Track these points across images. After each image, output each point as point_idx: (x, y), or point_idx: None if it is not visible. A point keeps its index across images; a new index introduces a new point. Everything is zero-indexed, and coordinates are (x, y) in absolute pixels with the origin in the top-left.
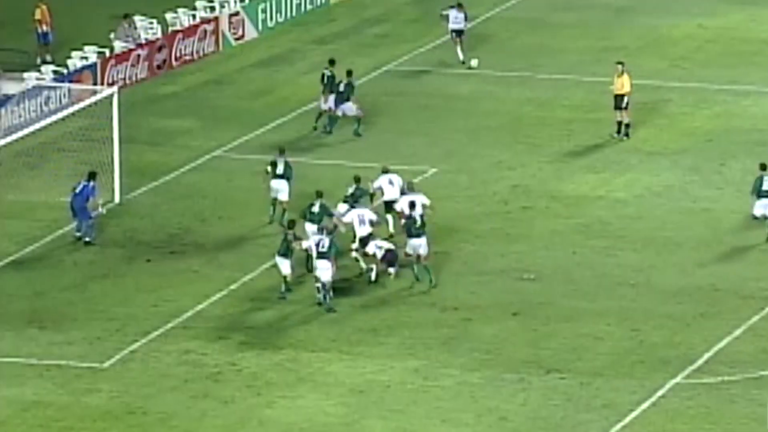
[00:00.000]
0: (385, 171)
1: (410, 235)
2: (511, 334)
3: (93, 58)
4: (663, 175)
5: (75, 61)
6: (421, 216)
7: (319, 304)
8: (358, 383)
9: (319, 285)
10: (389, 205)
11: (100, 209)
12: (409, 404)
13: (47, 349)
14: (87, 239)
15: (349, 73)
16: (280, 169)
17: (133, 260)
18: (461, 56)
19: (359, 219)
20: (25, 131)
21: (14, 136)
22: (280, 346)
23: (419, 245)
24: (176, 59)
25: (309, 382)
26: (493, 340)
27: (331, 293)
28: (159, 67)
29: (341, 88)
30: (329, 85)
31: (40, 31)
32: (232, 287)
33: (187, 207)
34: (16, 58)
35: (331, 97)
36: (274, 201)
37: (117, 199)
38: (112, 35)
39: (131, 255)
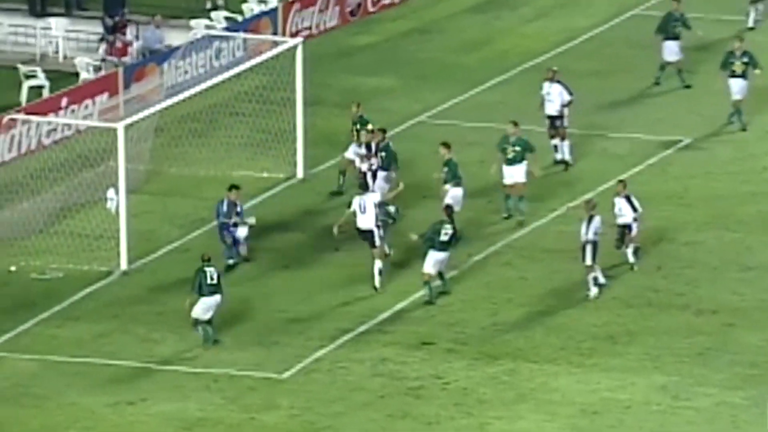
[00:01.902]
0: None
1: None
2: None
3: (273, 2)
4: None
5: (251, 6)
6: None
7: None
8: (592, 402)
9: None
10: None
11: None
12: (654, 429)
13: (215, 356)
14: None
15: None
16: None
17: (319, 249)
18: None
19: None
20: (192, 91)
21: (178, 97)
22: (495, 355)
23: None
24: (373, 4)
25: (530, 400)
26: (761, 351)
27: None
28: (352, 13)
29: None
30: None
31: None
32: (436, 283)
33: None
34: (182, 3)
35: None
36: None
37: (300, 173)
38: None
39: (316, 243)
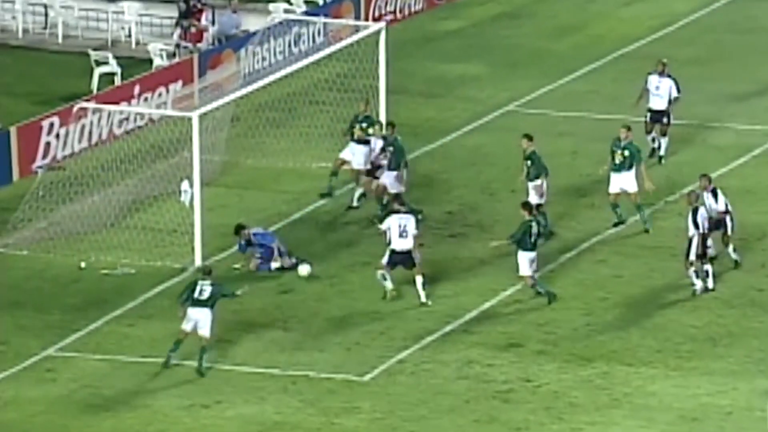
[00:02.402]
0: None
1: None
2: None
3: None
4: None
5: None
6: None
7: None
8: (691, 408)
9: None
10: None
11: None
12: None
13: (293, 357)
14: None
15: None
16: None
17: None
18: None
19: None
20: (269, 79)
21: (256, 85)
22: (588, 357)
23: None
24: None
25: (626, 405)
26: None
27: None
28: None
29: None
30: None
31: None
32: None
33: (472, 177)
34: None
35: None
36: None
37: None
38: None
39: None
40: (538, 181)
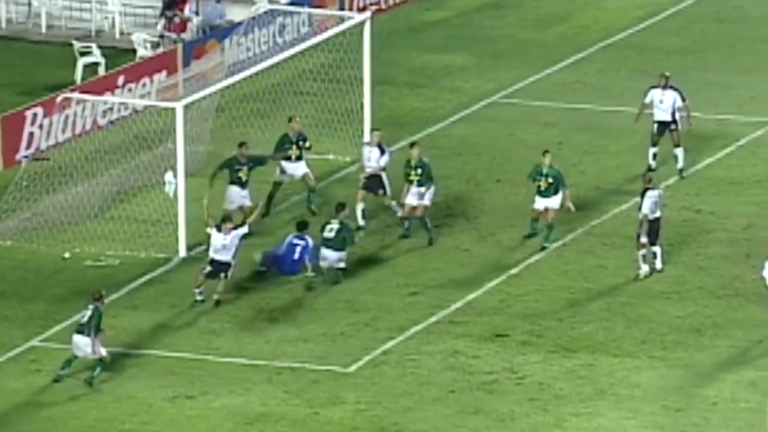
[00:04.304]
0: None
1: None
2: None
3: None
4: None
5: None
6: None
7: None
8: (675, 399)
9: None
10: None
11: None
12: (743, 428)
13: (278, 348)
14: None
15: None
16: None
17: (388, 236)
18: None
19: None
20: (254, 69)
21: (240, 76)
22: (573, 348)
23: None
24: None
25: (610, 396)
26: None
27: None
28: None
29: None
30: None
31: None
32: (513, 271)
33: (457, 168)
34: None
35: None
36: None
37: None
38: None
39: (384, 229)
40: (422, 189)
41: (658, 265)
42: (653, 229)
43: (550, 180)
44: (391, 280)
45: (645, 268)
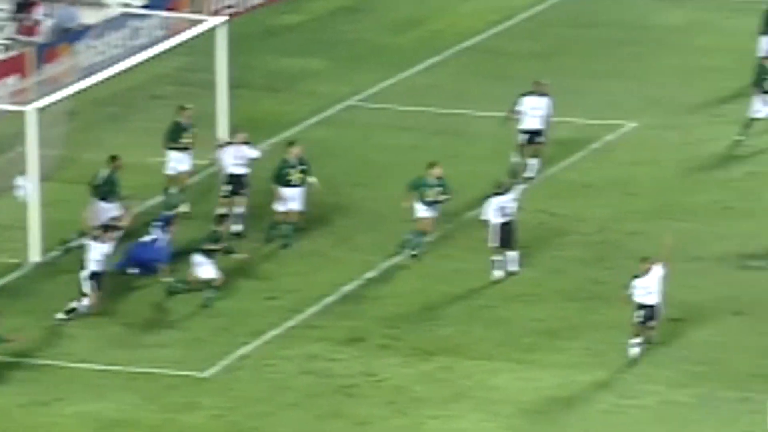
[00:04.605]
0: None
1: None
2: (733, 340)
3: None
4: None
5: None
6: None
7: None
8: (532, 401)
9: None
10: None
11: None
12: (599, 428)
13: (134, 353)
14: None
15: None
16: None
17: (246, 240)
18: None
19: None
20: (108, 73)
21: (93, 79)
22: (431, 351)
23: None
24: None
25: (468, 399)
26: (710, 347)
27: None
28: None
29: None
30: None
31: None
32: (370, 275)
33: (314, 172)
34: None
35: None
36: None
37: None
38: None
39: (243, 232)
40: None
41: (514, 268)
42: (506, 233)
43: (437, 191)
44: (247, 284)
45: (496, 273)
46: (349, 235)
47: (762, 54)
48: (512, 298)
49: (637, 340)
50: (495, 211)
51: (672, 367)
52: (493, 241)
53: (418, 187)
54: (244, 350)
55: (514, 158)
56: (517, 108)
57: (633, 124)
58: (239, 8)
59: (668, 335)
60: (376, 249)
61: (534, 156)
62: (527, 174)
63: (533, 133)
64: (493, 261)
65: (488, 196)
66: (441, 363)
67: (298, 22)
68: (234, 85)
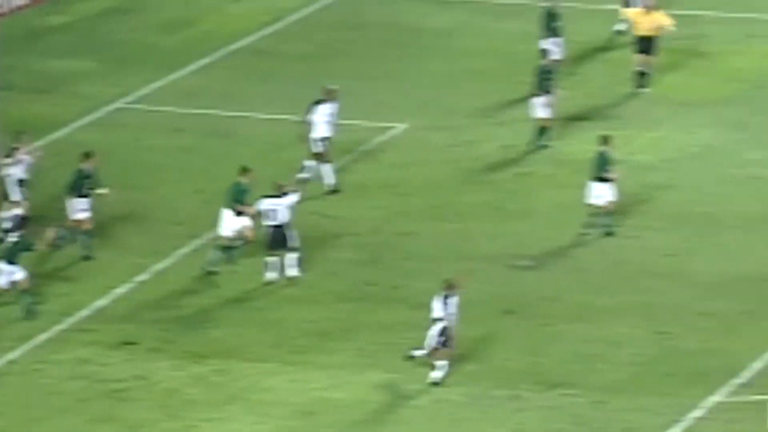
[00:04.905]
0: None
1: None
2: (504, 339)
3: None
4: (699, 133)
5: None
6: None
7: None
8: (305, 402)
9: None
10: None
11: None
12: (372, 428)
13: None
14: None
15: None
16: None
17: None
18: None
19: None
20: None
21: None
22: (204, 354)
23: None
24: None
25: (242, 401)
26: (480, 345)
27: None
28: None
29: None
30: None
31: None
32: (141, 278)
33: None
34: None
35: None
36: None
37: None
38: None
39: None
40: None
41: (293, 272)
42: (278, 236)
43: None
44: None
45: (269, 275)
46: (121, 237)
47: (545, 56)
48: (285, 300)
49: (438, 362)
50: (265, 212)
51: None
52: (269, 244)
53: (240, 195)
54: (12, 355)
55: (309, 163)
56: (310, 116)
57: (403, 126)
58: (3, 9)
59: None
60: (148, 251)
61: (327, 161)
62: (327, 180)
63: (327, 139)
64: (265, 263)
65: (262, 197)
66: (214, 366)
67: (65, 23)
68: (0, 87)
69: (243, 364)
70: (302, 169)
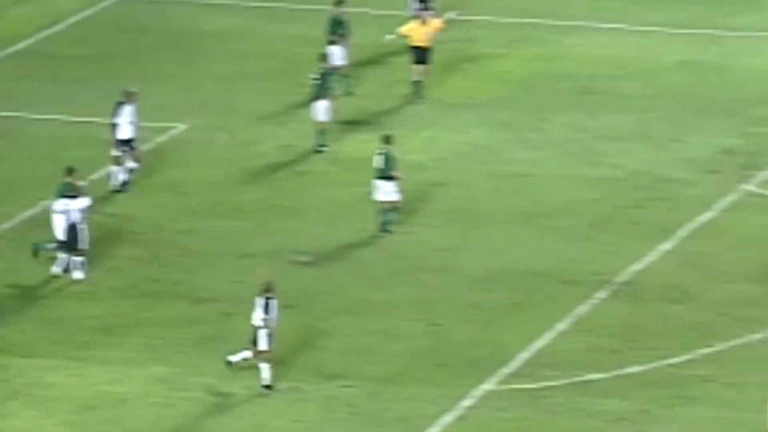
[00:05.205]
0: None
1: None
2: (282, 332)
3: None
4: (469, 133)
5: None
6: None
7: None
8: (88, 397)
9: None
10: None
11: None
12: (153, 422)
13: None
14: None
15: None
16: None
17: None
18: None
19: None
20: None
21: None
22: None
23: None
24: None
25: (24, 396)
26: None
27: None
28: None
29: None
30: None
31: None
32: None
33: None
34: None
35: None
36: None
37: None
38: None
39: None
40: None
41: (78, 275)
42: (71, 235)
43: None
44: None
45: (55, 269)
46: None
47: (326, 60)
48: (67, 296)
49: (262, 365)
50: (59, 212)
51: (223, 360)
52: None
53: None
54: None
55: (114, 168)
56: (115, 120)
57: (183, 127)
58: None
59: (219, 329)
60: None
61: (136, 161)
62: (126, 178)
63: (129, 141)
64: (56, 257)
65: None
66: None
67: None
68: None
69: (24, 360)
70: (110, 175)
